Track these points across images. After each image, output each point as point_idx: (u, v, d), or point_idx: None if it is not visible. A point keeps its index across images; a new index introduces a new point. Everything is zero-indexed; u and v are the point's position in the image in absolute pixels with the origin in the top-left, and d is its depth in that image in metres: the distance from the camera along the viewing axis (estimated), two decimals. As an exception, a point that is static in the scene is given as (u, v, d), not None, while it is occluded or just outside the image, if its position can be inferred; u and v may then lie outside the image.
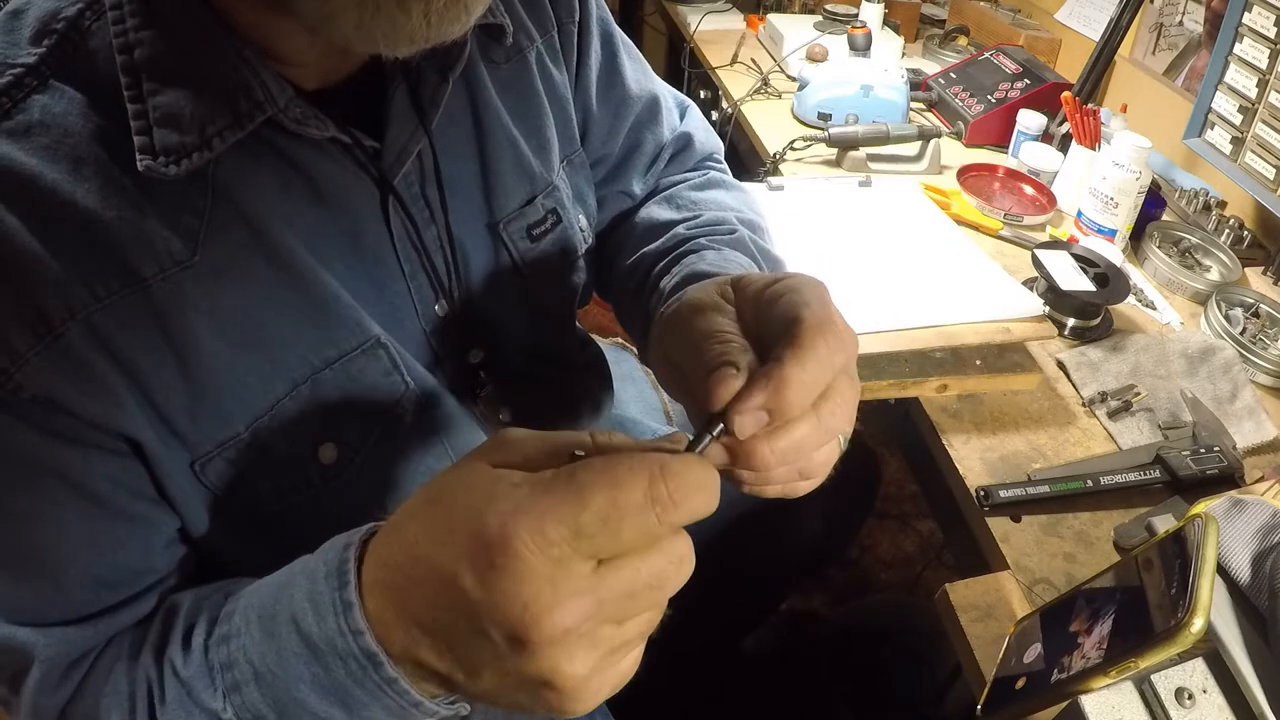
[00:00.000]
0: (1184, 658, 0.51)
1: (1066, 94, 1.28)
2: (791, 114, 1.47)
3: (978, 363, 0.87)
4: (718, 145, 0.81)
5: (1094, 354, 0.95)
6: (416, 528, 0.34)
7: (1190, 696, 0.50)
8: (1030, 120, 1.32)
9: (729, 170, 0.80)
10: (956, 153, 1.41)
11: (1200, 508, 0.65)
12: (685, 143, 0.78)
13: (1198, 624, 0.46)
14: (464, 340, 0.60)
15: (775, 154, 1.31)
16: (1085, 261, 1.00)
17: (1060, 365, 0.94)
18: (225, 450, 0.48)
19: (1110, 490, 0.78)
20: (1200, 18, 1.33)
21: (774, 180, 1.11)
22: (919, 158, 1.32)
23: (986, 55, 1.53)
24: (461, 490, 0.33)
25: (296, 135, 0.46)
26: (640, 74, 0.73)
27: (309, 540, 0.40)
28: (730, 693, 1.21)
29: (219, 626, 0.44)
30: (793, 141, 1.30)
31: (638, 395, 0.98)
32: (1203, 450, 0.80)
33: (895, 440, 1.46)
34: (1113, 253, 1.08)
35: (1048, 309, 0.97)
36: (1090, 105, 1.26)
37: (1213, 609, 0.47)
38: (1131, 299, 1.06)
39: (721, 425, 0.37)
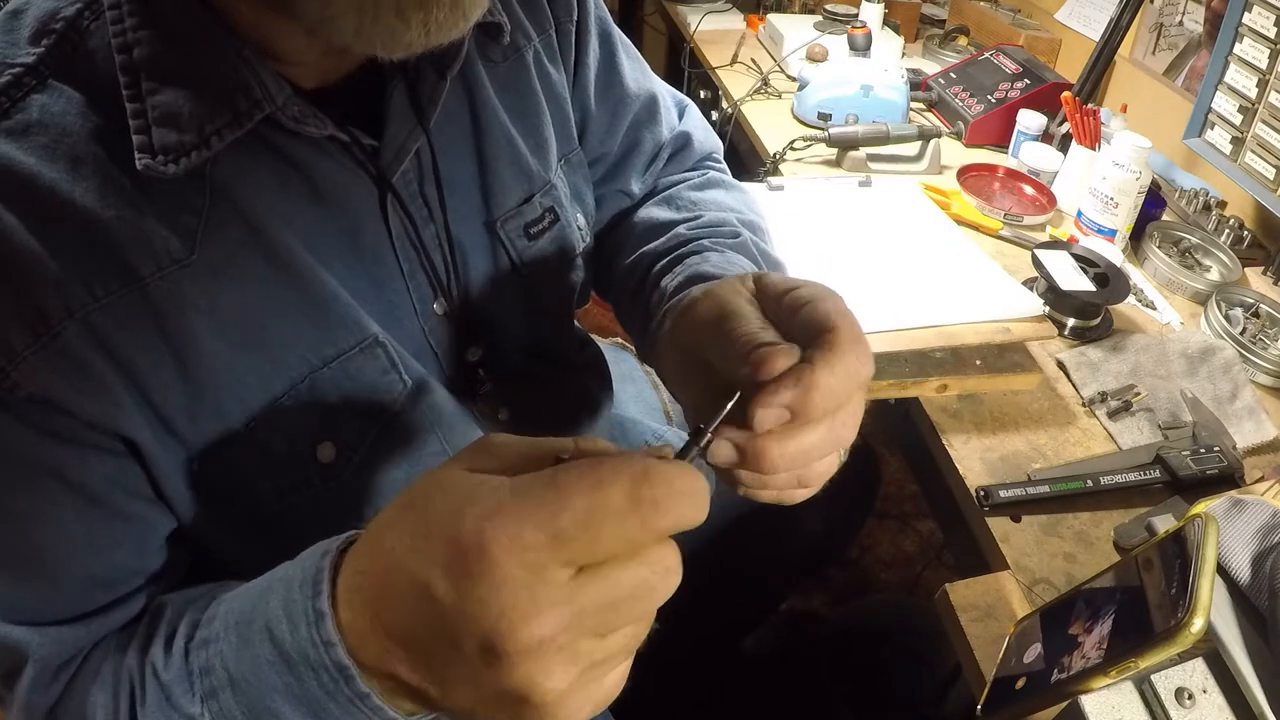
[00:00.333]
0: (1184, 658, 0.51)
1: (1066, 94, 1.27)
2: (791, 114, 1.47)
3: (978, 363, 0.86)
4: (717, 144, 0.81)
5: (1094, 354, 0.95)
6: (393, 535, 0.32)
7: (1190, 696, 0.50)
8: (1030, 120, 1.32)
9: (728, 170, 0.80)
10: (956, 153, 1.41)
11: (1200, 508, 0.65)
12: (684, 142, 0.77)
13: (1198, 624, 0.46)
14: (462, 339, 0.60)
15: (775, 154, 1.31)
16: (1085, 261, 1.00)
17: (1060, 365, 0.94)
18: (223, 449, 0.48)
19: (1110, 490, 0.77)
20: (1200, 18, 1.33)
21: (774, 180, 1.11)
22: (919, 158, 1.32)
23: (986, 55, 1.53)
24: (438, 495, 0.32)
25: (295, 134, 0.46)
26: (638, 73, 0.73)
27: (309, 540, 0.40)
28: (730, 693, 1.20)
29: (200, 630, 0.44)
30: (793, 141, 1.30)
31: (637, 395, 0.98)
32: (1203, 450, 0.80)
33: (895, 440, 1.46)
34: (1113, 253, 1.08)
35: (1048, 309, 0.97)
36: (1090, 105, 1.26)
37: (1213, 609, 0.47)
38: (1131, 299, 1.06)
39: (710, 436, 0.37)
